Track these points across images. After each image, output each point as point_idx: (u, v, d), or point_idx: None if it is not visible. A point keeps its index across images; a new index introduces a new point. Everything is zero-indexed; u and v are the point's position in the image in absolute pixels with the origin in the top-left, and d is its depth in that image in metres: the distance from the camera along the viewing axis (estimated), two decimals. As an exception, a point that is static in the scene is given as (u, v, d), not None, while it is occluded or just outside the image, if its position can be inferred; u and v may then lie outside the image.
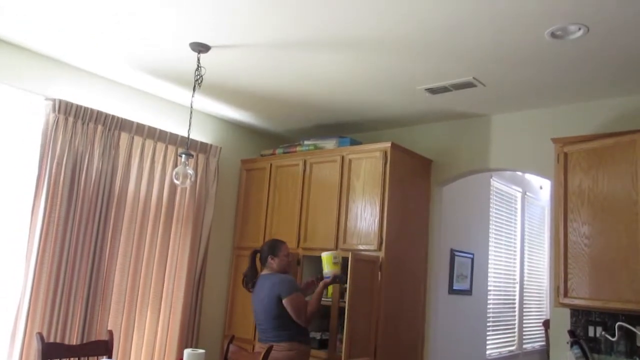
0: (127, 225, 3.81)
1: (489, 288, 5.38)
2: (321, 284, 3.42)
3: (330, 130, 4.71)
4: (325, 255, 3.50)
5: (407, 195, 3.96)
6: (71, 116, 3.50)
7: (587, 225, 3.05)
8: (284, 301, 3.21)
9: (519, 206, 6.14)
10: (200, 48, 3.09)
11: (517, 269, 6.05)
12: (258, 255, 3.53)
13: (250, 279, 3.52)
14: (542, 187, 6.59)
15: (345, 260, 3.50)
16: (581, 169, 3.13)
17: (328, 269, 3.46)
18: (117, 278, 3.73)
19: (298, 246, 4.14)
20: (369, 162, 3.88)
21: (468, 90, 3.53)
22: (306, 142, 4.42)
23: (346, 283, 3.44)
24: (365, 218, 3.81)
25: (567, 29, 2.61)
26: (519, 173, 5.91)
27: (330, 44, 2.97)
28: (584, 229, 3.06)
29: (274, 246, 3.46)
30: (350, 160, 4.00)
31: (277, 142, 5.09)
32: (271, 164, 4.53)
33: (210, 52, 3.16)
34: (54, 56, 3.48)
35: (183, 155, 3.22)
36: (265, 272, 3.43)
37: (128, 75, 3.71)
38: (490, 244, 5.43)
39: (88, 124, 3.59)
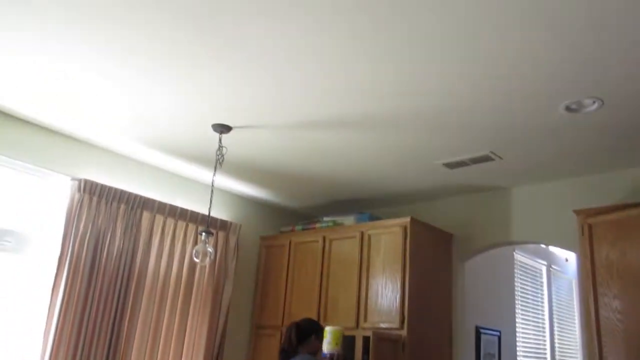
0: (146, 303, 3.78)
1: (519, 368, 5.11)
2: None
3: (349, 206, 4.73)
4: (335, 330, 3.20)
5: (428, 271, 3.88)
6: (95, 196, 3.58)
7: (618, 300, 2.93)
8: None
9: (544, 280, 5.95)
10: (222, 129, 3.19)
11: (548, 346, 5.76)
12: (294, 330, 3.26)
13: (292, 354, 3.18)
14: (567, 260, 6.41)
15: (345, 338, 3.25)
16: (607, 241, 3.06)
17: (333, 345, 3.14)
18: (134, 355, 3.65)
19: (318, 325, 4.03)
20: (388, 237, 3.85)
21: (486, 164, 3.55)
22: (325, 219, 4.42)
23: None
24: (386, 295, 3.72)
25: (582, 103, 2.65)
26: (543, 246, 5.78)
27: (348, 122, 3.05)
28: (616, 303, 2.94)
29: (320, 329, 3.25)
30: (369, 236, 3.97)
31: (296, 219, 5.10)
32: (290, 241, 4.52)
33: (231, 132, 3.26)
34: (80, 138, 3.62)
35: (203, 234, 3.24)
36: (303, 351, 3.15)
37: (151, 155, 3.83)
38: (517, 320, 5.22)
39: (111, 203, 3.66)
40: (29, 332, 3.33)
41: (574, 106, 2.69)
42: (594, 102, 2.63)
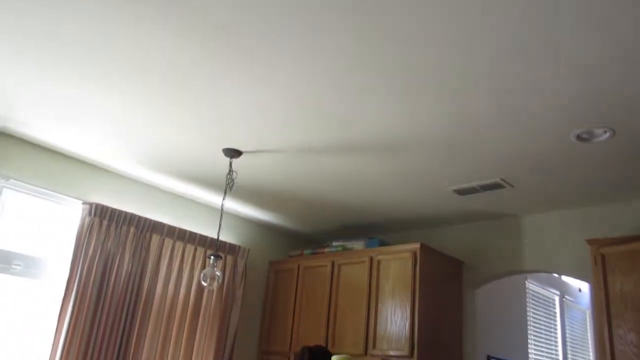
0: (153, 327, 3.76)
1: (532, 400, 4.98)
2: None
3: (359, 231, 4.70)
4: (342, 358, 3.05)
5: (438, 298, 3.83)
6: (106, 219, 3.60)
7: (633, 333, 2.86)
8: None
9: (557, 310, 5.84)
10: (233, 153, 3.21)
11: (562, 379, 5.62)
12: (307, 354, 3.25)
13: None
14: (581, 290, 6.29)
15: None
16: (621, 272, 3.00)
17: None
18: (139, 384, 3.62)
19: (326, 352, 3.97)
20: (398, 263, 3.82)
21: (497, 191, 3.52)
22: (334, 243, 4.40)
23: None
24: (396, 321, 3.67)
25: (593, 132, 2.64)
26: (556, 275, 5.69)
27: (357, 147, 3.06)
28: (631, 336, 2.87)
29: (330, 356, 3.17)
30: (379, 261, 3.94)
31: (305, 243, 5.08)
32: (299, 265, 4.49)
33: (241, 157, 3.27)
34: (92, 162, 3.66)
35: (212, 257, 3.23)
36: None
37: (161, 178, 3.85)
38: (530, 350, 5.11)
39: (121, 227, 3.68)
40: (36, 355, 3.32)
41: (585, 135, 2.67)
42: (605, 131, 2.61)
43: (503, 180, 3.34)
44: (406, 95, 2.44)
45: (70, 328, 3.32)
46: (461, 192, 3.59)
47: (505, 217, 4.05)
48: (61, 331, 3.31)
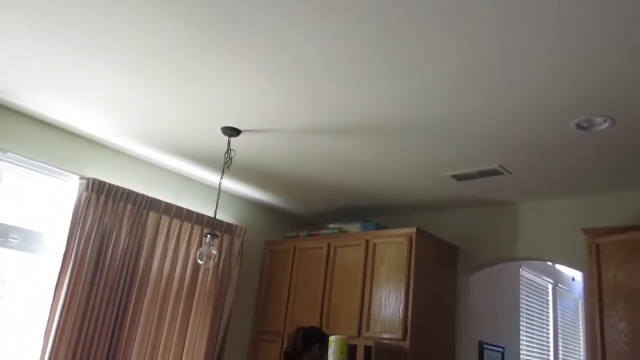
0: (148, 304, 3.78)
1: (522, 386, 5.04)
2: None
3: (355, 213, 4.71)
4: (339, 339, 3.08)
5: (433, 283, 3.85)
6: (103, 195, 3.60)
7: (625, 322, 2.89)
8: None
9: (550, 298, 5.88)
10: (231, 132, 3.20)
11: (552, 366, 5.69)
12: (301, 334, 3.18)
13: (296, 359, 3.11)
14: (574, 279, 6.33)
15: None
16: (615, 262, 3.02)
17: (338, 355, 3.03)
18: (134, 357, 3.65)
19: (319, 332, 4.00)
20: (393, 247, 3.83)
21: (494, 177, 3.52)
22: (331, 225, 4.41)
23: None
24: (390, 305, 3.70)
25: (592, 121, 2.63)
26: (550, 263, 5.72)
27: (355, 130, 3.05)
28: (622, 325, 2.89)
29: (325, 339, 3.17)
30: (374, 245, 3.95)
31: (301, 225, 5.09)
32: (295, 247, 4.51)
33: (240, 136, 3.26)
34: (90, 137, 3.64)
35: (208, 236, 3.24)
36: (307, 357, 3.09)
37: (159, 155, 3.84)
38: (521, 337, 5.16)
39: (118, 203, 3.68)
40: (31, 329, 3.35)
41: (584, 124, 2.66)
42: (605, 120, 2.60)
43: (501, 167, 3.33)
44: (403, 79, 2.42)
45: (66, 302, 3.34)
46: (459, 177, 3.59)
47: (502, 204, 4.06)
48: (57, 305, 3.33)
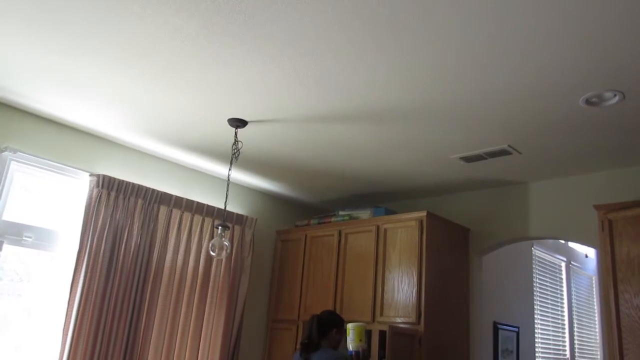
0: (163, 297, 3.82)
1: (538, 365, 5.05)
2: None
3: (365, 200, 4.71)
4: (357, 326, 3.16)
5: (445, 265, 3.86)
6: (113, 191, 3.62)
7: (639, 297, 2.88)
8: None
9: (564, 276, 5.87)
10: (238, 123, 3.20)
11: (567, 344, 5.69)
12: (315, 323, 3.21)
13: (313, 348, 3.10)
14: (587, 256, 6.31)
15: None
16: (628, 237, 3.00)
17: (357, 342, 3.09)
18: (151, 350, 3.69)
19: (334, 319, 4.03)
20: (404, 231, 3.83)
21: (504, 158, 3.50)
22: (341, 213, 4.41)
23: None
24: (403, 289, 3.71)
25: (602, 96, 2.60)
26: (562, 241, 5.70)
27: (362, 115, 3.04)
28: (637, 300, 2.88)
29: (341, 322, 3.21)
30: (385, 230, 3.95)
31: (311, 213, 5.10)
32: (306, 235, 4.52)
33: (247, 126, 3.26)
34: (99, 134, 3.66)
35: (219, 227, 3.26)
36: (325, 344, 3.12)
37: (167, 150, 3.85)
38: (536, 316, 5.16)
39: (129, 198, 3.70)
40: (49, 326, 3.39)
41: (594, 99, 2.63)
42: (614, 95, 2.57)
43: (510, 147, 3.31)
44: (407, 63, 2.40)
45: (83, 298, 3.38)
46: (468, 159, 3.57)
47: (512, 184, 4.04)
48: (74, 301, 3.37)
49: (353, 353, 3.08)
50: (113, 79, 2.80)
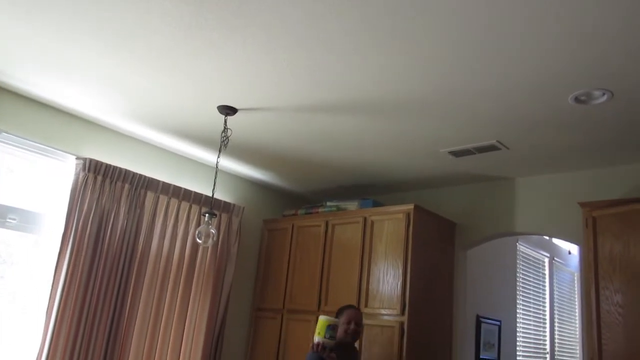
0: (148, 283, 3.80)
1: (518, 358, 5.13)
2: None
3: (353, 191, 4.72)
4: (320, 320, 3.04)
5: (430, 259, 3.88)
6: (100, 175, 3.58)
7: (620, 294, 2.93)
8: None
9: (547, 272, 5.95)
10: (228, 111, 3.18)
11: (548, 338, 5.78)
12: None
13: None
14: (570, 253, 6.40)
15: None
16: (611, 234, 3.04)
17: (316, 334, 3.00)
18: (135, 336, 3.68)
19: (319, 309, 4.05)
20: (391, 223, 3.85)
21: (492, 153, 3.52)
22: (328, 203, 4.42)
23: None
24: (388, 281, 3.73)
25: (591, 94, 2.62)
26: (546, 237, 5.77)
27: (352, 107, 3.03)
28: (617, 297, 2.93)
29: (339, 311, 3.22)
30: (372, 222, 3.97)
31: (299, 203, 5.10)
32: (293, 225, 4.52)
33: (236, 114, 3.24)
34: (86, 117, 3.62)
35: (207, 215, 3.24)
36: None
37: (156, 135, 3.82)
38: (518, 311, 5.23)
39: (116, 183, 3.67)
40: (31, 310, 3.37)
41: (583, 97, 2.65)
42: (603, 93, 2.59)
43: (499, 142, 3.33)
44: (400, 56, 2.40)
45: (67, 282, 3.35)
46: (456, 153, 3.59)
47: (500, 179, 4.07)
48: (58, 285, 3.34)
49: (313, 344, 3.00)
50: (101, 62, 2.76)
